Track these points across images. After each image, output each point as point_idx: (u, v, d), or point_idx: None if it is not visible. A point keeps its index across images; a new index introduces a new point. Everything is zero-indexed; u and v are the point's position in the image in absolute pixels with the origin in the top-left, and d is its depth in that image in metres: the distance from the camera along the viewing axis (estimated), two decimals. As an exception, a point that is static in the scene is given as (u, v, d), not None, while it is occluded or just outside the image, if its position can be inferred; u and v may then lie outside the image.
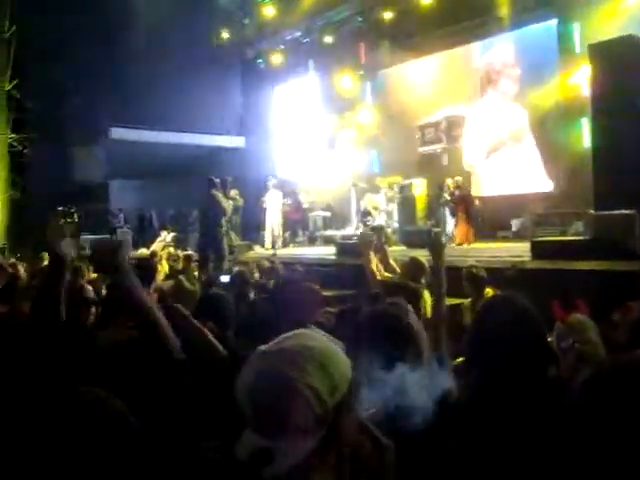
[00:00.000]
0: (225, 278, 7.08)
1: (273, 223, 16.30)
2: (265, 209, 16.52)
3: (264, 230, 16.55)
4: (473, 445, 1.84)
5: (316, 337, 1.43)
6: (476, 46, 16.72)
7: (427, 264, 5.32)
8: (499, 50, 16.28)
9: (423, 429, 1.76)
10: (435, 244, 3.57)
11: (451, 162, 16.21)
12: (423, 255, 5.65)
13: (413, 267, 5.74)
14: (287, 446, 1.24)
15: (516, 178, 15.63)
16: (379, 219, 15.89)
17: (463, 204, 13.56)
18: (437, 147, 16.52)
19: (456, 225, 13.65)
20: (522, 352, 2.01)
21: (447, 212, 14.26)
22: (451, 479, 1.79)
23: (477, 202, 14.03)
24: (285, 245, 16.74)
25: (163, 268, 9.23)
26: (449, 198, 14.05)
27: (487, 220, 14.24)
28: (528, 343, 2.04)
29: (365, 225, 15.70)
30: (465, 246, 12.80)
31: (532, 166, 15.23)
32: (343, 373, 1.36)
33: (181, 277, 6.17)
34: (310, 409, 1.27)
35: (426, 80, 17.65)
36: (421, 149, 16.73)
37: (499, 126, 16.23)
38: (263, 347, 1.38)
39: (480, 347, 2.10)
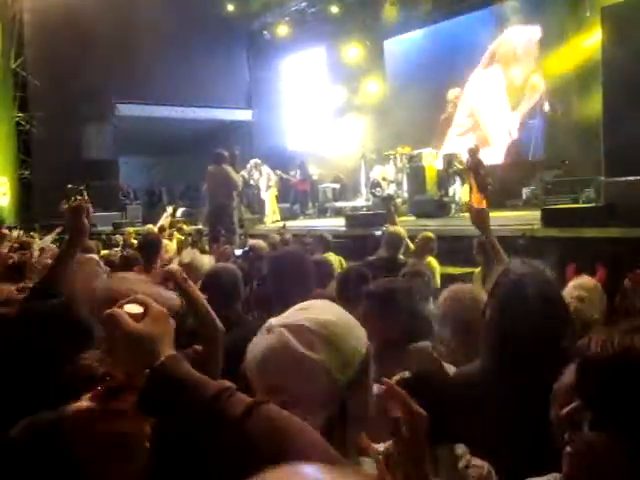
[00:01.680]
0: (238, 252, 7.11)
1: (266, 198, 16.36)
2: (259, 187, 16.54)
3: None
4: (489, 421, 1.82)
5: (328, 310, 1.38)
6: (485, 13, 16.49)
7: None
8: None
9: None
10: (478, 218, 3.46)
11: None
12: (432, 225, 5.66)
13: (423, 243, 6.22)
14: None
15: (525, 145, 15.65)
16: (388, 190, 15.83)
17: (474, 171, 13.35)
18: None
19: (470, 193, 13.47)
20: (546, 320, 2.01)
21: (457, 181, 14.15)
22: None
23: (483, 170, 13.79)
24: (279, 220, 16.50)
25: (173, 243, 9.26)
26: (460, 167, 13.91)
27: (496, 188, 14.12)
28: (550, 312, 2.03)
29: (375, 196, 15.65)
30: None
31: (542, 133, 15.16)
32: (355, 348, 1.31)
33: (191, 250, 6.18)
34: (319, 386, 1.24)
35: (435, 49, 17.41)
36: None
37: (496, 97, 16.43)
38: (273, 320, 1.35)
39: (501, 317, 2.08)
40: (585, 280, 3.38)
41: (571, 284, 3.28)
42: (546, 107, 15.02)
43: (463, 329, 2.73)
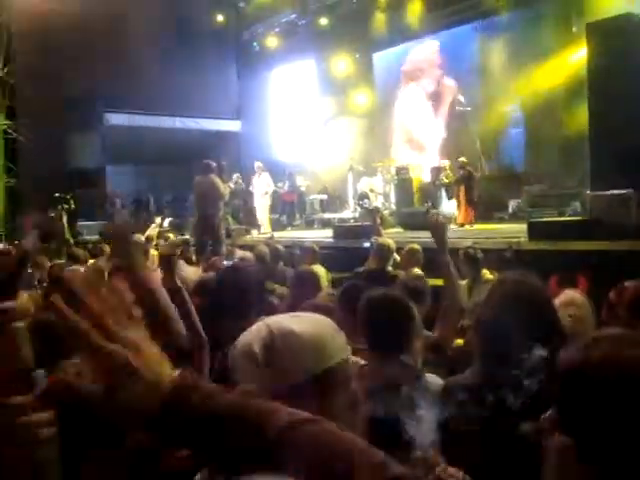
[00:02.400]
0: (228, 263, 7.06)
1: (259, 207, 16.34)
2: (253, 194, 16.55)
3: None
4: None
5: (307, 322, 1.40)
6: (472, 27, 16.63)
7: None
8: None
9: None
10: (436, 226, 3.41)
11: (451, 144, 16.23)
12: (419, 237, 5.67)
13: (409, 255, 6.22)
14: None
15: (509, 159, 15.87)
16: (376, 202, 15.86)
17: (465, 184, 13.33)
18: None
19: (458, 206, 13.47)
20: (539, 330, 2.03)
21: (443, 193, 14.19)
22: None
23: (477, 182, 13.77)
24: (272, 229, 16.50)
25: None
26: (447, 180, 13.95)
27: (483, 201, 14.16)
28: (544, 321, 2.07)
29: (362, 208, 15.68)
30: (467, 227, 12.70)
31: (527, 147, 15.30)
32: (302, 366, 1.32)
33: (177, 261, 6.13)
34: (256, 382, 1.29)
35: (424, 63, 17.54)
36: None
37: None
38: (266, 319, 1.43)
39: (495, 326, 2.10)
40: (574, 296, 3.35)
41: (559, 302, 3.25)
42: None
43: None
